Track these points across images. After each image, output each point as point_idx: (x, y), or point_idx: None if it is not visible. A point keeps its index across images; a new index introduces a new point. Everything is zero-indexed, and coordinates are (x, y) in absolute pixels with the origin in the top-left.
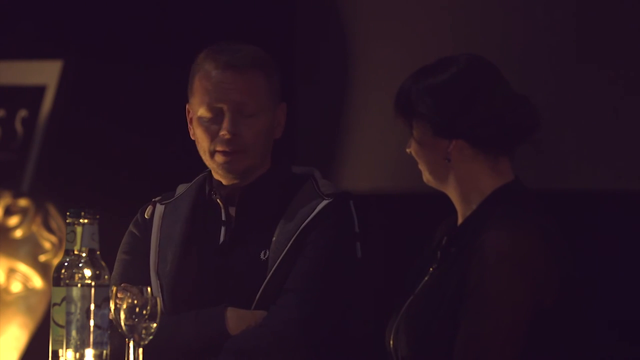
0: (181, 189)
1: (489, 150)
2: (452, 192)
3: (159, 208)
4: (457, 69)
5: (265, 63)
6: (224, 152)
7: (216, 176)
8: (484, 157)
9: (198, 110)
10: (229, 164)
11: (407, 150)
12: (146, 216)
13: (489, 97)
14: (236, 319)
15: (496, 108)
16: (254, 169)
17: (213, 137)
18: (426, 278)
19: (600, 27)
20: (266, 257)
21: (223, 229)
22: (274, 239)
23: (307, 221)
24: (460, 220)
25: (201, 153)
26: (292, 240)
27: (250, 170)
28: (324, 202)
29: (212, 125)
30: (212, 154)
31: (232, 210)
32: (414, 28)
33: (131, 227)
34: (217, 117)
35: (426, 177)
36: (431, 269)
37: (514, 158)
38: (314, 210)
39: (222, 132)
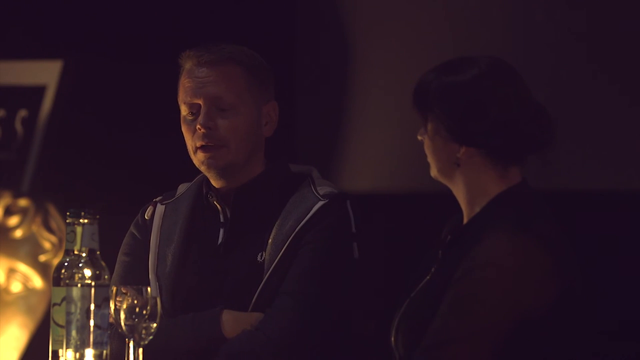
0: (182, 188)
1: (499, 160)
2: (458, 193)
3: (160, 208)
4: (478, 71)
5: (246, 59)
6: (202, 147)
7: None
8: (493, 166)
9: (182, 109)
10: (210, 159)
11: (419, 137)
12: (146, 217)
13: (503, 107)
14: (232, 322)
15: (510, 119)
16: (237, 166)
17: (193, 133)
18: (427, 277)
19: (600, 27)
20: (262, 259)
21: (221, 230)
22: (269, 241)
23: (302, 223)
24: (465, 221)
25: (189, 153)
26: (287, 242)
27: (233, 168)
28: (320, 203)
29: (192, 122)
30: (195, 151)
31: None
32: (414, 28)
33: (132, 229)
34: (196, 113)
35: (433, 172)
36: (433, 269)
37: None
38: (309, 212)
39: (198, 127)
